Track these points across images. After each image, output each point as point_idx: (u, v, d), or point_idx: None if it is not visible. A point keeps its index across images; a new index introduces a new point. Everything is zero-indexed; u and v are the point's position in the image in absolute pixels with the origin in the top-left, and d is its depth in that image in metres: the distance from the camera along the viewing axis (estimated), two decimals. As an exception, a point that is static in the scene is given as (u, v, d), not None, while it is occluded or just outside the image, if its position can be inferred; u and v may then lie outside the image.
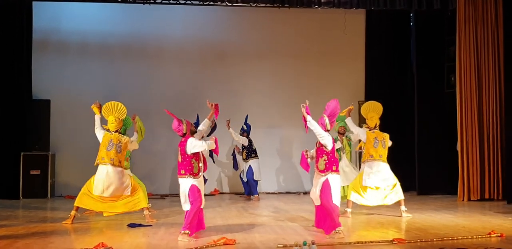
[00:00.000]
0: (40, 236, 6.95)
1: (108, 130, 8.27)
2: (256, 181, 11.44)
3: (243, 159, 11.51)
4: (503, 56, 11.00)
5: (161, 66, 12.70)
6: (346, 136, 10.09)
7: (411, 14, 12.75)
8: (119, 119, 8.26)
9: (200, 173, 7.08)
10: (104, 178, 8.04)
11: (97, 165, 8.17)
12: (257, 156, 11.49)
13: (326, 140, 7.11)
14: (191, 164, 6.98)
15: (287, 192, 12.65)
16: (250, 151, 11.45)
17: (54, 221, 8.33)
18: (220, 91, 12.67)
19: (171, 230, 7.46)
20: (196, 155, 7.03)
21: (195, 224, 7.04)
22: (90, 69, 12.38)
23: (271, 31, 13.11)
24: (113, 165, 8.07)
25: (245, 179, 11.51)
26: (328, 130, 7.27)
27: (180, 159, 7.04)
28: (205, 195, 11.97)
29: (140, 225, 7.80)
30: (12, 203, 10.68)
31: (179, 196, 10.63)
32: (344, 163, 10.01)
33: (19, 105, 11.55)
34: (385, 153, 8.76)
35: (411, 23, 12.83)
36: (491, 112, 11.10)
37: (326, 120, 7.30)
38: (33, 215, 9.08)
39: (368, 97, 12.73)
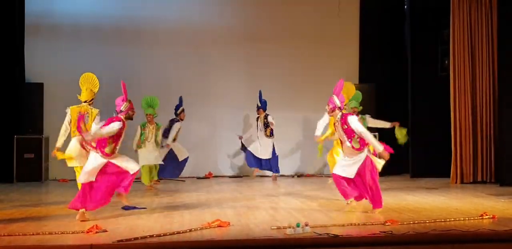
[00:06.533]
0: (34, 219, 6.96)
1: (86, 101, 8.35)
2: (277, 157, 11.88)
3: (268, 136, 11.79)
4: (497, 39, 10.98)
5: (155, 48, 12.61)
6: (361, 116, 10.07)
7: (405, -3, 12.74)
8: (90, 90, 8.39)
9: (112, 155, 7.08)
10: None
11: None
12: None
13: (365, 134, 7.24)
14: (106, 143, 7.01)
15: (281, 175, 12.68)
16: (272, 129, 11.82)
17: (48, 205, 8.33)
18: (214, 74, 12.69)
19: (165, 213, 7.49)
20: (115, 137, 7.04)
21: (91, 200, 7.00)
22: (83, 52, 12.30)
23: (263, 14, 13.03)
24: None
25: (267, 157, 11.82)
26: (340, 108, 7.44)
27: None
28: (198, 178, 12.23)
29: (134, 207, 7.80)
30: (6, 186, 10.67)
31: (175, 180, 10.69)
32: None
33: (12, 89, 11.48)
34: None
35: (405, 6, 12.79)
36: (484, 95, 11.12)
37: (335, 98, 7.44)
38: (27, 198, 9.07)
39: (362, 80, 12.74)
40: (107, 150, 7.04)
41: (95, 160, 7.05)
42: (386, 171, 10.56)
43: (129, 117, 7.26)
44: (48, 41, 12.23)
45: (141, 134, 10.25)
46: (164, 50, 12.65)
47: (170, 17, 12.73)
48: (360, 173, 7.33)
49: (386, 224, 6.41)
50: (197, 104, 12.18)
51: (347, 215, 7.26)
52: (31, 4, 12.01)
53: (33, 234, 5.94)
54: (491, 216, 6.85)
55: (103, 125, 7.08)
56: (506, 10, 10.67)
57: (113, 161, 7.10)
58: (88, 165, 7.06)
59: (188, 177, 12.12)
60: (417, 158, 11.92)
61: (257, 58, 12.95)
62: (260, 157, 11.90)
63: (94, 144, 7.03)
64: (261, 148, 11.90)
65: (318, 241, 5.69)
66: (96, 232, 5.98)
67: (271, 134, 11.83)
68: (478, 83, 11.14)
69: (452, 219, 6.74)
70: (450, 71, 11.22)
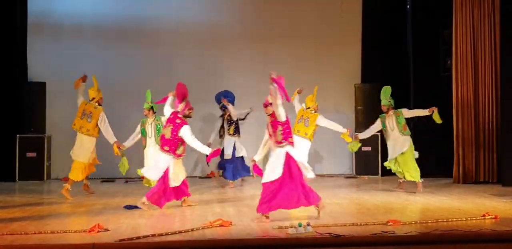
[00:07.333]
0: (35, 218, 6.97)
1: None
2: (243, 158, 10.88)
3: (231, 134, 10.78)
4: (499, 39, 10.94)
5: (157, 47, 12.62)
6: (396, 110, 9.96)
7: (407, -4, 12.73)
8: (92, 89, 9.22)
9: (182, 156, 7.82)
10: (76, 142, 9.20)
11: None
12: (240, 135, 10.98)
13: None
14: (178, 145, 7.68)
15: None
16: (237, 127, 10.89)
17: (50, 204, 8.36)
18: (215, 73, 12.67)
19: (167, 212, 7.50)
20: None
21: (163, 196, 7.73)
22: (85, 51, 12.31)
23: (265, 14, 13.02)
24: (81, 132, 9.11)
25: (229, 157, 10.72)
26: (271, 104, 7.10)
27: (168, 136, 7.68)
28: (201, 177, 12.24)
29: (136, 207, 7.81)
30: (8, 185, 10.71)
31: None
32: (395, 135, 9.89)
33: (14, 88, 11.53)
34: (304, 130, 9.70)
35: (408, 6, 12.77)
36: (486, 95, 11.09)
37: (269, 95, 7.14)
38: (29, 197, 9.10)
39: (364, 80, 12.73)
40: (178, 151, 7.74)
41: (165, 160, 7.71)
42: (388, 172, 10.61)
43: (187, 116, 7.94)
44: (50, 40, 12.26)
45: (142, 131, 9.78)
46: (166, 49, 12.65)
47: (172, 16, 12.74)
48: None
49: (388, 224, 6.40)
50: (199, 103, 12.15)
51: (349, 215, 7.25)
52: (33, 3, 12.04)
53: (35, 233, 5.95)
54: (493, 216, 6.84)
55: (174, 131, 7.69)
56: (507, 8, 10.63)
57: (171, 167, 7.68)
58: (159, 165, 7.77)
59: (190, 177, 12.09)
60: (419, 158, 11.86)
61: (258, 58, 12.92)
62: (225, 157, 10.78)
63: (167, 148, 7.64)
64: (225, 148, 10.80)
65: (320, 241, 5.69)
66: (98, 231, 5.98)
67: (235, 132, 10.80)
68: (481, 83, 11.11)
69: (454, 219, 6.73)
70: (452, 71, 11.18)
